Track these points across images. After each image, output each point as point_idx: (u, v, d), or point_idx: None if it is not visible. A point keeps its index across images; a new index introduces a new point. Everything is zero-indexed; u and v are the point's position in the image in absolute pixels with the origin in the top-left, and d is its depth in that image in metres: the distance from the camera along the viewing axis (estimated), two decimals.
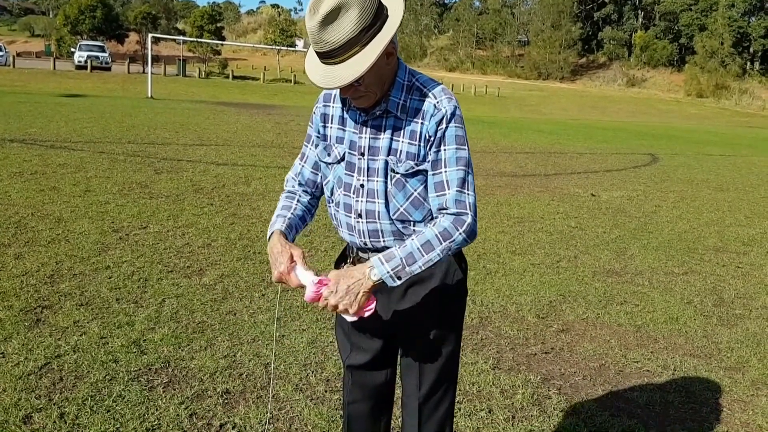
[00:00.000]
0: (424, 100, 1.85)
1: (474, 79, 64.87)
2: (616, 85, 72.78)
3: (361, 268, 1.82)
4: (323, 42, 1.71)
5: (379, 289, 1.93)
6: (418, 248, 1.81)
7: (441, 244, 1.82)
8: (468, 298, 4.80)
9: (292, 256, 1.87)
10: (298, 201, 2.07)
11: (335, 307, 1.79)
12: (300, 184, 2.11)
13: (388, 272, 1.80)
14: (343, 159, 1.97)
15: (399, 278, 1.81)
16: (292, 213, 2.03)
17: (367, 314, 1.84)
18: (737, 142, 24.66)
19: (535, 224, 7.60)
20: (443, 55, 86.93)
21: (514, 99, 51.10)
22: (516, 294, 5.05)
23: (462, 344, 3.94)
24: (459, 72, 78.93)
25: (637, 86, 72.63)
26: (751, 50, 75.18)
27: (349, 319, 1.85)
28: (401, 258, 1.80)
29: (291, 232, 2.00)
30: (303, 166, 2.10)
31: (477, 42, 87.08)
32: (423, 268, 1.82)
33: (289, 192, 2.11)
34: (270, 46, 52.30)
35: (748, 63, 75.47)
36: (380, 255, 1.82)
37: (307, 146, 2.08)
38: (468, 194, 1.85)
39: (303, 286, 1.86)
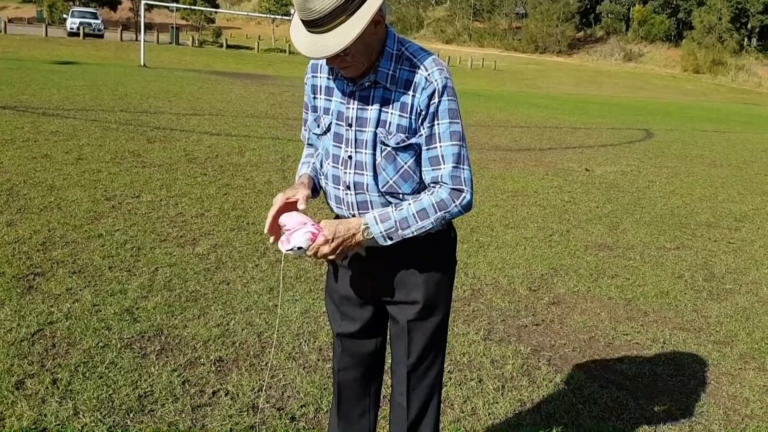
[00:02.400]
0: (415, 72, 1.83)
1: (471, 52, 64.37)
2: (613, 60, 72.36)
3: (356, 222, 1.86)
4: (309, 10, 1.67)
5: (367, 257, 1.95)
6: (413, 214, 1.85)
7: (436, 213, 1.86)
8: (460, 271, 4.85)
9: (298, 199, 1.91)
10: (315, 158, 2.11)
11: (324, 255, 1.83)
12: (309, 144, 2.14)
13: (381, 232, 1.85)
14: (329, 130, 1.96)
15: (390, 239, 1.87)
16: (310, 167, 2.09)
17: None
18: (732, 119, 24.65)
19: (529, 198, 7.61)
20: (440, 27, 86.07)
21: (511, 72, 50.82)
22: (508, 267, 5.08)
23: (454, 315, 3.98)
24: (456, 44, 78.25)
25: (634, 61, 72.24)
26: (749, 26, 74.72)
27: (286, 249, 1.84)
28: (396, 221, 1.85)
29: (317, 176, 2.06)
30: (308, 130, 2.11)
31: (474, 14, 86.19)
32: (415, 234, 1.87)
33: (307, 153, 2.17)
34: (265, 15, 51.63)
35: (746, 39, 75.06)
36: (376, 214, 1.86)
37: (306, 113, 2.09)
38: (463, 169, 1.87)
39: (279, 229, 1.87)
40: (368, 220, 1.85)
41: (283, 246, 1.84)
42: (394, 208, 1.86)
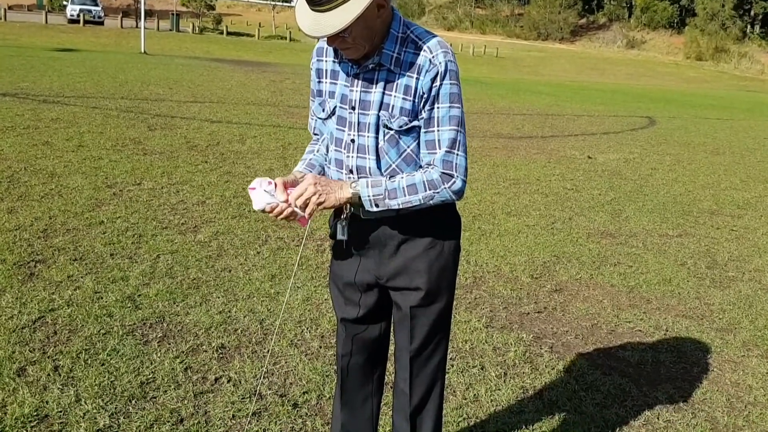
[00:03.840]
0: (419, 54, 1.82)
1: (473, 39, 64.05)
2: (616, 47, 71.98)
3: (343, 182, 1.87)
4: None
5: (371, 242, 1.95)
6: (403, 187, 1.85)
7: (425, 191, 1.85)
8: (462, 259, 4.84)
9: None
10: (320, 144, 2.12)
11: (308, 199, 1.82)
12: (315, 134, 2.15)
13: (369, 196, 1.85)
14: (334, 113, 1.95)
15: (376, 206, 1.86)
16: (314, 154, 2.10)
17: (304, 224, 1.92)
18: (735, 106, 24.55)
19: (531, 186, 7.58)
20: (441, 14, 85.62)
21: (513, 60, 50.59)
22: (510, 255, 5.07)
23: (456, 303, 3.97)
24: (458, 31, 77.85)
25: (637, 48, 71.86)
26: (752, 13, 74.26)
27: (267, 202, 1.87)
28: (386, 189, 1.85)
29: (313, 170, 2.07)
30: (315, 119, 2.12)
31: (476, 0, 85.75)
32: (400, 206, 1.87)
33: (313, 141, 2.17)
34: (265, 2, 51.38)
35: (749, 26, 74.62)
36: (369, 179, 1.87)
37: (312, 101, 2.08)
38: (458, 155, 1.86)
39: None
40: (360, 182, 1.86)
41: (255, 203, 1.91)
42: (387, 178, 1.87)
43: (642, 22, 76.66)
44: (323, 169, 2.06)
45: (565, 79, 36.66)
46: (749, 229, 6.50)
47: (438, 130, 1.84)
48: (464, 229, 5.52)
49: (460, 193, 1.88)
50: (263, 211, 1.89)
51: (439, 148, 1.84)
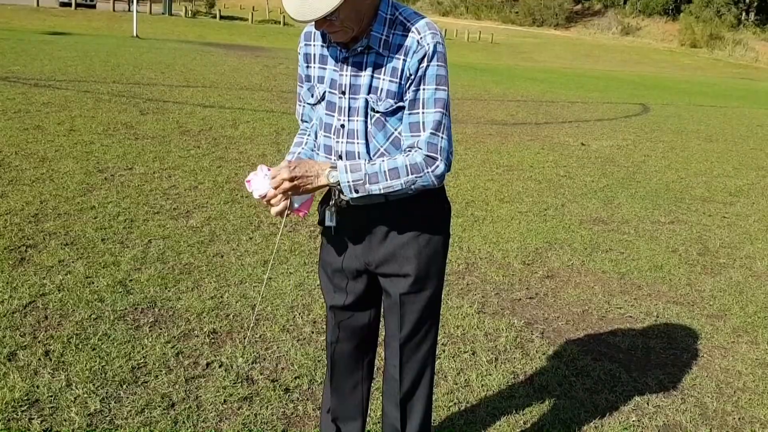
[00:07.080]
0: (407, 35, 1.80)
1: (467, 24, 63.75)
2: (611, 34, 71.77)
3: (323, 165, 1.84)
4: None
5: (360, 228, 1.93)
6: (385, 171, 1.82)
7: (407, 175, 1.82)
8: (455, 245, 4.84)
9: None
10: (308, 136, 2.10)
11: (281, 182, 1.81)
12: (303, 121, 2.13)
13: (348, 182, 1.82)
14: (323, 99, 1.93)
15: (356, 192, 1.83)
16: (302, 147, 2.08)
17: (301, 214, 1.94)
18: (729, 94, 24.56)
19: (524, 173, 7.58)
20: None
21: (508, 46, 50.42)
22: (503, 241, 5.07)
23: (448, 289, 3.98)
24: (452, 17, 77.47)
25: (632, 35, 71.69)
26: (747, 0, 74.17)
27: (261, 193, 1.88)
28: (366, 173, 1.82)
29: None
30: (303, 106, 2.10)
31: None
32: (381, 192, 1.83)
33: (301, 131, 2.15)
34: None
35: (744, 13, 74.53)
36: (347, 163, 1.84)
37: (300, 86, 2.06)
38: (441, 137, 1.83)
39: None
40: (339, 167, 1.83)
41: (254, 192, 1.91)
42: (367, 162, 1.84)
43: (637, 9, 76.44)
44: (311, 158, 2.04)
45: (560, 66, 36.58)
46: (741, 216, 6.52)
47: (423, 112, 1.82)
48: (457, 215, 5.53)
49: (441, 178, 1.86)
50: (264, 197, 1.87)
51: (423, 130, 1.82)
